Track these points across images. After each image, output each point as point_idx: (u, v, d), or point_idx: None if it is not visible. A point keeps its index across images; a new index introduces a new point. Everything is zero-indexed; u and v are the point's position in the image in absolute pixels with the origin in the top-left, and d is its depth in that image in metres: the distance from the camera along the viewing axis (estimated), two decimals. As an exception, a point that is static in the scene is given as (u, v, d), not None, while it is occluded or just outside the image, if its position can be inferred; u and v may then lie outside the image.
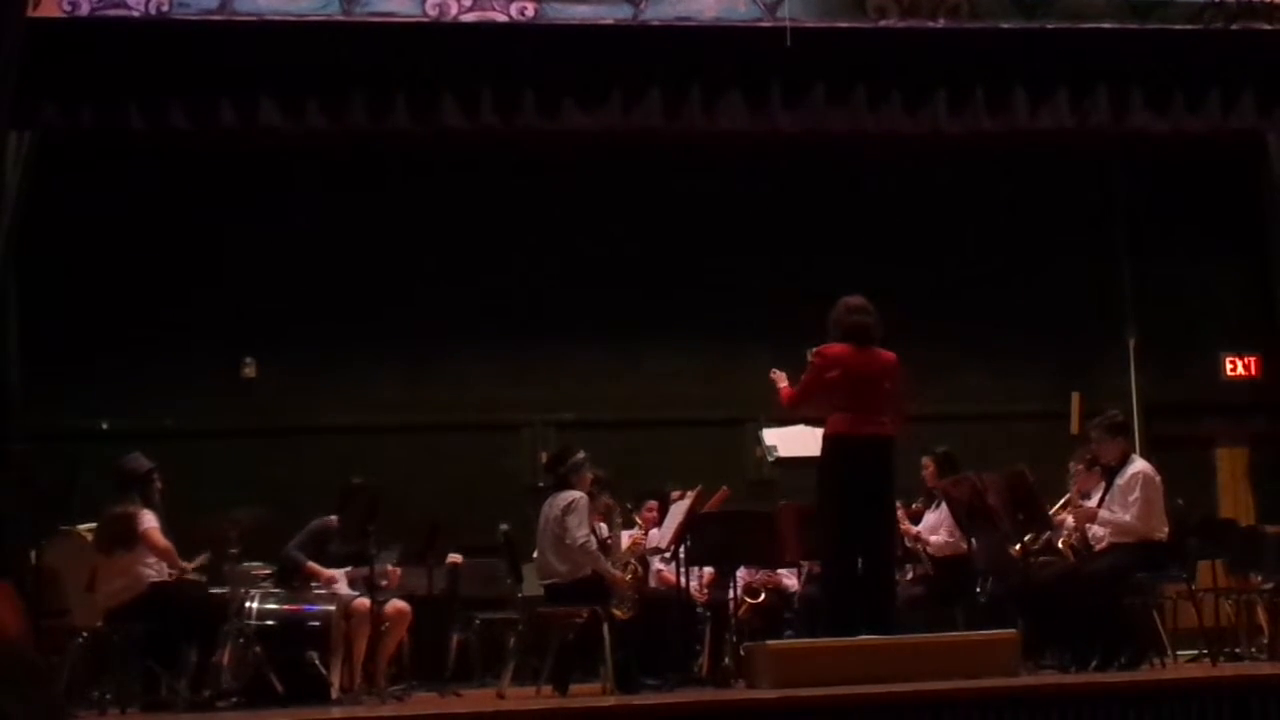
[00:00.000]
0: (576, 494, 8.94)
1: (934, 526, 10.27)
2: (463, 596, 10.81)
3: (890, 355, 8.55)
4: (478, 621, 10.74)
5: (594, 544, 8.88)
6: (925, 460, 10.47)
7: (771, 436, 9.93)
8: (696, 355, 13.14)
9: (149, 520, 8.77)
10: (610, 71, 10.86)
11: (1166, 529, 9.19)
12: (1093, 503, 9.37)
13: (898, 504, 9.88)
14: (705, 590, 10.33)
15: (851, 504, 8.32)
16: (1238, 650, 10.28)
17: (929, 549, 10.20)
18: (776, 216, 13.06)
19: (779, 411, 9.22)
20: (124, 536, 8.73)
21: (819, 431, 8.61)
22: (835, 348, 8.49)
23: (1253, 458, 13.64)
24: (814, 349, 8.56)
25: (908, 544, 10.09)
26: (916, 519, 10.42)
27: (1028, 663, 8.65)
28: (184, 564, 8.95)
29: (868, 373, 8.42)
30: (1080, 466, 9.78)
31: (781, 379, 8.83)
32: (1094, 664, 8.69)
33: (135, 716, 8.50)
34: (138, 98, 10.52)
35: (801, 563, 10.12)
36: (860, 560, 8.34)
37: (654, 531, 10.44)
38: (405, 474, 11.73)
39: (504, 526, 10.05)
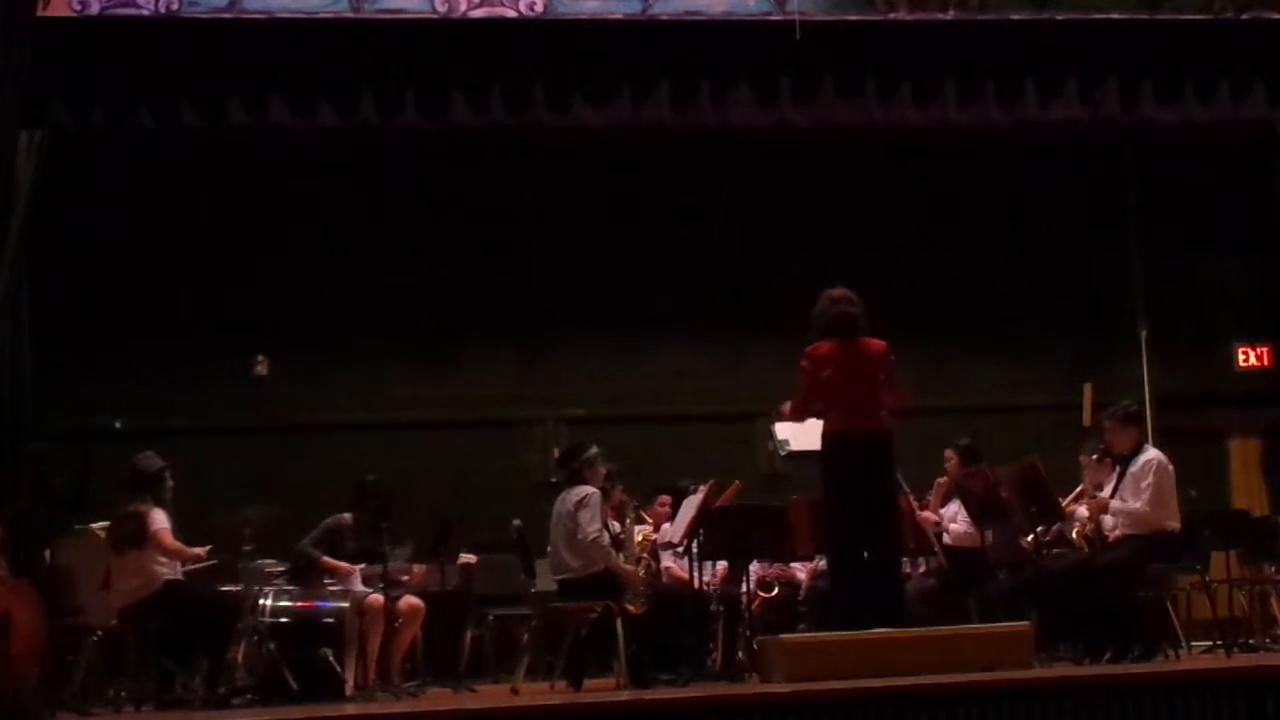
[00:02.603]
0: (589, 489, 8.94)
1: (954, 514, 10.26)
2: (476, 592, 10.82)
3: (879, 344, 8.54)
4: (491, 617, 10.75)
5: (606, 539, 8.88)
6: (948, 453, 10.45)
7: (783, 430, 9.92)
8: (708, 350, 13.14)
9: (160, 520, 8.77)
10: (619, 66, 10.85)
11: (1179, 520, 9.18)
12: (1105, 494, 9.36)
13: (912, 495, 9.89)
14: (718, 584, 10.32)
15: (854, 499, 8.33)
16: (1252, 641, 10.26)
17: (948, 538, 10.19)
18: (786, 210, 13.06)
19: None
20: (136, 536, 8.74)
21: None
22: (823, 347, 8.49)
23: (1265, 448, 13.63)
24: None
25: (928, 531, 10.07)
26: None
27: (1041, 655, 8.65)
28: (195, 551, 8.94)
29: (859, 366, 8.42)
30: (1092, 458, 9.77)
31: (787, 407, 8.85)
32: (1107, 656, 8.68)
33: (150, 714, 8.51)
34: (148, 96, 10.54)
35: (817, 556, 10.14)
36: (866, 554, 8.34)
37: (666, 526, 10.46)
38: (418, 471, 11.76)
39: (517, 522, 10.06)
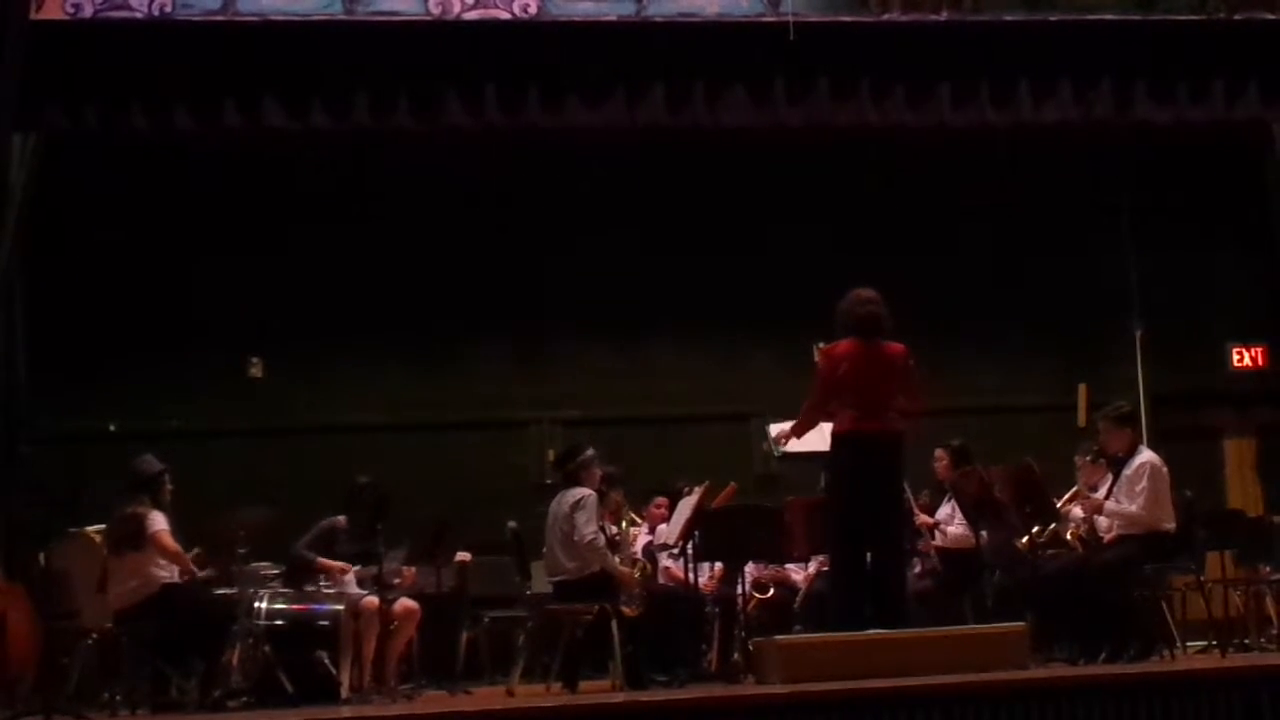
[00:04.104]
0: (585, 491, 8.94)
1: (950, 516, 10.27)
2: (471, 594, 10.82)
3: (899, 347, 8.51)
4: (487, 619, 10.74)
5: (602, 541, 8.88)
6: (939, 453, 10.46)
7: (778, 431, 9.93)
8: (703, 351, 13.14)
9: (159, 522, 8.77)
10: (613, 68, 10.86)
11: (1174, 520, 9.19)
12: (1100, 495, 9.37)
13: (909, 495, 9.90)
14: (714, 586, 10.32)
15: (860, 500, 8.32)
16: (1247, 641, 10.28)
17: (943, 539, 10.19)
18: (781, 212, 13.05)
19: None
20: (134, 537, 8.73)
21: (826, 427, 8.60)
22: (842, 345, 8.48)
23: (1260, 448, 13.64)
24: (821, 345, 8.53)
25: (922, 533, 10.07)
26: (926, 513, 10.41)
27: (1036, 655, 8.64)
28: (194, 568, 8.94)
29: (876, 367, 8.39)
30: (1086, 459, 9.78)
31: (785, 429, 8.82)
32: (1103, 656, 8.69)
33: (145, 717, 8.51)
34: (141, 99, 10.54)
35: (812, 558, 10.14)
36: (870, 556, 8.34)
37: (662, 527, 10.46)
38: (413, 472, 11.74)
39: (512, 524, 10.05)
